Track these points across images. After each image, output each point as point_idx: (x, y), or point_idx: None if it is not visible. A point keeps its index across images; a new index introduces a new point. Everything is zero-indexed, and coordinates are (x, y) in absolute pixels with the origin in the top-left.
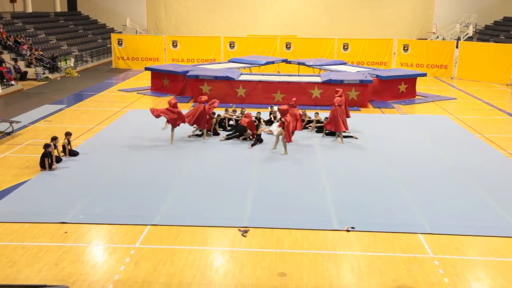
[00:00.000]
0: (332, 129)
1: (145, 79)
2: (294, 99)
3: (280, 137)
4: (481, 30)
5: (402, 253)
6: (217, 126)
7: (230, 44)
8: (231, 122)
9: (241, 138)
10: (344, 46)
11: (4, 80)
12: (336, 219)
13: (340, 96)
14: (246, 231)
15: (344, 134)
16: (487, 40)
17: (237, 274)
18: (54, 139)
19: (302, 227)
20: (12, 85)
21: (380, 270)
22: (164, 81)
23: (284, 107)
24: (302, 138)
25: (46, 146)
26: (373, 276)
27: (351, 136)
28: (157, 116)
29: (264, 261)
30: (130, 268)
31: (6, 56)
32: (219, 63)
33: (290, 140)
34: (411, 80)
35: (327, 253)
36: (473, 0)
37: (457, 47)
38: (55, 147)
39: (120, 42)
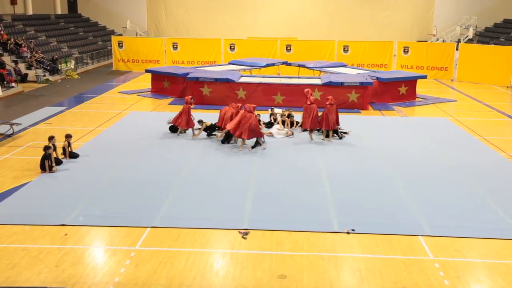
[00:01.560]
0: (325, 127)
1: (146, 81)
2: (312, 97)
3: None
4: (481, 32)
5: (402, 255)
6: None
7: (230, 46)
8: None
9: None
10: (344, 48)
11: (5, 82)
12: (337, 221)
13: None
14: (246, 233)
15: (342, 131)
16: (487, 42)
17: (237, 276)
18: (51, 138)
19: (302, 229)
20: (12, 87)
21: (381, 272)
22: (165, 83)
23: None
24: (302, 139)
25: (46, 148)
26: (374, 279)
27: (345, 132)
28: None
29: (264, 263)
30: (130, 270)
31: (7, 58)
32: (220, 65)
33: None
34: (411, 82)
35: (327, 255)
36: (473, 2)
37: (457, 49)
38: (54, 147)
39: (120, 44)
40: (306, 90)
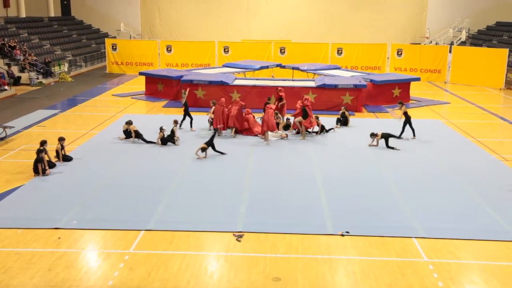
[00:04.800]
0: (309, 126)
1: (139, 84)
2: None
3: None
4: (474, 35)
5: (396, 258)
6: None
7: (224, 49)
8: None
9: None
10: (338, 50)
11: None
12: (331, 224)
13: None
14: (240, 236)
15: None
16: (480, 45)
17: (232, 279)
18: (44, 143)
19: (296, 232)
20: (5, 90)
21: (375, 274)
22: (159, 86)
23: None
24: (296, 141)
25: (39, 151)
26: (368, 281)
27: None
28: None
29: (259, 266)
30: (124, 274)
31: (0, 61)
32: (214, 67)
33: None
34: (404, 84)
35: (321, 257)
36: (466, 5)
37: (450, 51)
38: (45, 151)
39: (114, 47)
40: (279, 87)
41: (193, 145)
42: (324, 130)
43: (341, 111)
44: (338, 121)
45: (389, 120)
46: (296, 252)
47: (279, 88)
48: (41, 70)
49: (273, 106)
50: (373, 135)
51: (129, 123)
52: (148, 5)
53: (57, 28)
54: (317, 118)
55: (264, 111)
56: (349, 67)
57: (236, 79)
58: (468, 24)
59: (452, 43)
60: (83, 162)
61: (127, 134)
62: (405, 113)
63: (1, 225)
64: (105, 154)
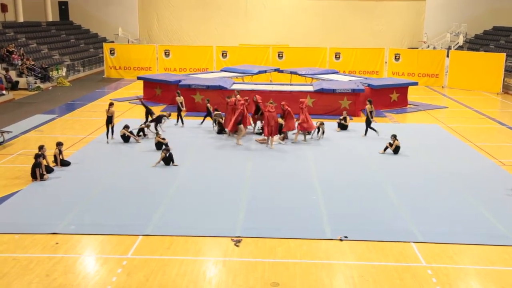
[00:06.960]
0: (309, 129)
1: (137, 89)
2: (303, 99)
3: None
4: (471, 40)
5: (395, 262)
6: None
7: (222, 53)
8: None
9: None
10: (336, 55)
11: None
12: (329, 228)
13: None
14: (239, 241)
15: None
16: (477, 49)
17: (230, 284)
18: (42, 148)
19: (295, 237)
20: (3, 94)
21: (374, 279)
22: (157, 90)
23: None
24: (295, 145)
25: (37, 156)
26: (367, 286)
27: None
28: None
29: (257, 271)
30: (122, 279)
31: None
32: (212, 72)
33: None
34: (402, 89)
35: (320, 262)
36: (463, 10)
37: (447, 56)
38: (44, 156)
39: (112, 52)
40: (253, 98)
41: (191, 149)
42: (322, 135)
43: (342, 116)
44: (339, 124)
45: (387, 125)
46: (294, 257)
47: (257, 96)
48: (39, 75)
49: (273, 108)
50: (394, 137)
51: (111, 104)
52: (146, 10)
53: (55, 33)
54: (322, 124)
55: (262, 113)
56: (347, 71)
57: (234, 83)
58: (465, 29)
59: (449, 48)
60: (81, 167)
61: (125, 138)
62: (371, 112)
63: None
64: (103, 159)
